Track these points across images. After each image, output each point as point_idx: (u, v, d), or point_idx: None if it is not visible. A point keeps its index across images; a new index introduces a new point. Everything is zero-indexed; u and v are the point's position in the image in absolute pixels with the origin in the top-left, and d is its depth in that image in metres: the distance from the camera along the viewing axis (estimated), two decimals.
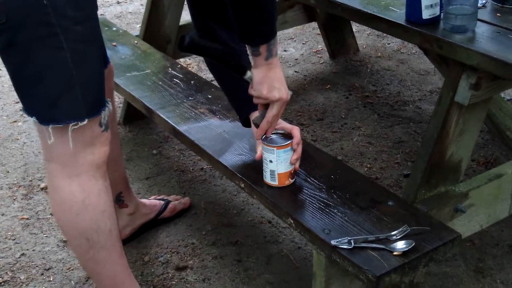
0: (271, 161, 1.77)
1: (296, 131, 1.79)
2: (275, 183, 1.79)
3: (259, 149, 1.81)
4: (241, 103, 1.90)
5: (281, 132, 1.81)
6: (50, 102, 1.57)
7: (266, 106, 1.75)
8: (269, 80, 1.70)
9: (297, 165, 1.79)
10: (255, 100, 1.75)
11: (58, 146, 1.63)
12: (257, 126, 1.77)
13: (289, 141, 1.76)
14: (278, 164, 1.76)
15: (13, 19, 1.47)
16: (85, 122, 1.60)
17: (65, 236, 1.77)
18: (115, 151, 2.01)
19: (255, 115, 1.82)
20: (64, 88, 1.56)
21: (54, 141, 1.61)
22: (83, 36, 1.55)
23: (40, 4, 1.46)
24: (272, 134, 1.79)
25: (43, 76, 1.54)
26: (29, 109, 1.61)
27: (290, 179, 1.80)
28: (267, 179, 1.80)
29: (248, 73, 1.72)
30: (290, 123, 1.83)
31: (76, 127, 1.59)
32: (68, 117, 1.58)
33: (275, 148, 1.75)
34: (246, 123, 1.94)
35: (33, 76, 1.54)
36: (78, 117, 1.59)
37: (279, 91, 1.72)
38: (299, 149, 1.78)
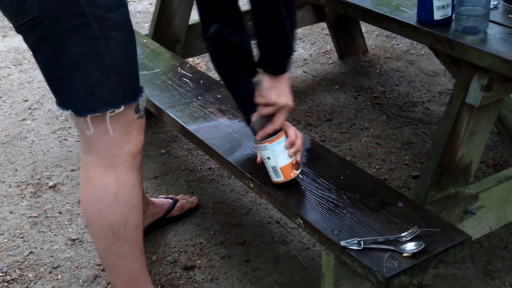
0: (269, 158, 1.76)
1: (290, 130, 1.79)
2: (281, 178, 1.78)
3: (260, 154, 1.81)
4: (247, 103, 1.90)
5: None
6: (87, 92, 1.55)
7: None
8: (279, 85, 1.72)
9: (298, 157, 1.79)
10: (261, 110, 1.76)
11: (97, 136, 1.61)
12: (253, 131, 1.77)
13: (279, 133, 1.76)
14: (276, 158, 1.75)
15: (45, 12, 1.46)
16: (122, 108, 1.58)
17: (91, 228, 1.75)
18: None
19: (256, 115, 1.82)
20: (99, 77, 1.54)
21: (93, 131, 1.60)
22: (116, 23, 1.54)
23: None
24: None
25: (78, 67, 1.53)
26: (64, 102, 1.60)
27: (294, 170, 1.78)
28: (273, 177, 1.79)
29: (258, 76, 1.72)
30: (298, 124, 1.83)
31: (113, 114, 1.58)
32: (105, 104, 1.57)
33: (267, 143, 1.75)
34: None
35: (68, 67, 1.53)
36: (114, 104, 1.58)
37: (286, 97, 1.74)
38: (298, 143, 1.78)
